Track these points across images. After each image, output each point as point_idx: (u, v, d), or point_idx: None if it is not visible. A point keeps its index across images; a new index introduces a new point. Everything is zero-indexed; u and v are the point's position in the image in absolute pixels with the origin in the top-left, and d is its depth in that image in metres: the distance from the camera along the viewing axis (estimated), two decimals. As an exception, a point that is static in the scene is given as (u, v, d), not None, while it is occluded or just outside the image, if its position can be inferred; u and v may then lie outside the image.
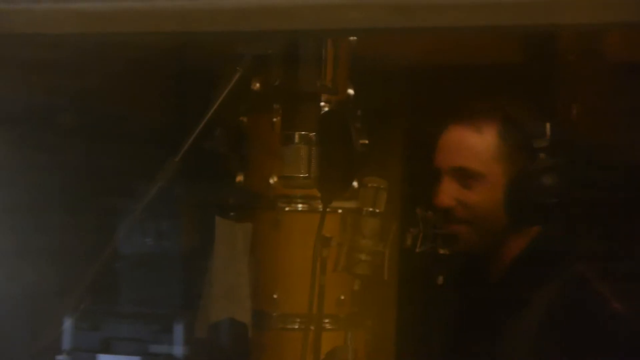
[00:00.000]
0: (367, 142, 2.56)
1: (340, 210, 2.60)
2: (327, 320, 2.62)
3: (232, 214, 2.80)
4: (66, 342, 2.32)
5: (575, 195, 2.13)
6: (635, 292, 2.12)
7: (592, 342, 1.99)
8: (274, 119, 2.61)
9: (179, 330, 2.83)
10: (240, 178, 2.77)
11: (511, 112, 2.11)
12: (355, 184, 2.38)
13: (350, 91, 2.70)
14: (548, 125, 2.10)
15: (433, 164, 2.16)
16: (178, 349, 2.84)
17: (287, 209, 2.74)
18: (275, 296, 2.73)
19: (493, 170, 2.09)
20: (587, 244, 2.23)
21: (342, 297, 2.69)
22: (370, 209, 2.35)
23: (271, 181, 2.67)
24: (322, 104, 2.58)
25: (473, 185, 2.10)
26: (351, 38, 2.59)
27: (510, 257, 2.13)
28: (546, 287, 2.06)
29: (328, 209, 2.35)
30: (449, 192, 2.12)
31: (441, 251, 2.16)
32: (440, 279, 2.17)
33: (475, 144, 2.10)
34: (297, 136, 2.41)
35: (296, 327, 2.69)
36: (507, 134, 2.09)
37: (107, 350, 2.76)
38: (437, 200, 2.13)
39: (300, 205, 2.74)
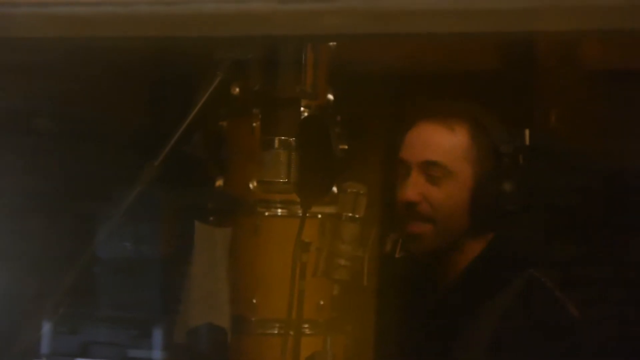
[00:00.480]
0: (346, 147, 2.57)
1: (319, 215, 2.60)
2: (306, 325, 2.62)
3: (211, 218, 2.80)
4: (45, 346, 2.32)
5: (538, 201, 2.14)
6: (591, 297, 2.14)
7: (549, 346, 1.99)
8: (254, 124, 2.61)
9: (157, 335, 2.83)
10: (219, 183, 2.77)
11: (481, 116, 2.12)
12: (334, 189, 2.38)
13: (330, 96, 2.71)
14: (517, 132, 2.12)
15: (401, 158, 2.13)
16: (157, 354, 2.84)
17: (266, 213, 2.74)
18: (254, 301, 2.72)
19: (462, 170, 2.09)
20: (543, 250, 2.24)
21: (322, 302, 2.69)
22: (350, 214, 2.36)
23: (251, 186, 2.67)
24: (302, 109, 2.58)
25: (441, 183, 2.08)
26: (331, 43, 2.60)
27: (465, 261, 2.11)
28: (502, 292, 2.06)
29: (307, 214, 2.34)
30: (416, 187, 2.09)
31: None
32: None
33: (448, 140, 2.10)
34: (276, 141, 2.42)
35: (275, 332, 2.69)
36: (477, 136, 2.10)
37: (85, 354, 2.75)
38: (403, 194, 2.10)
39: (279, 210, 2.74)
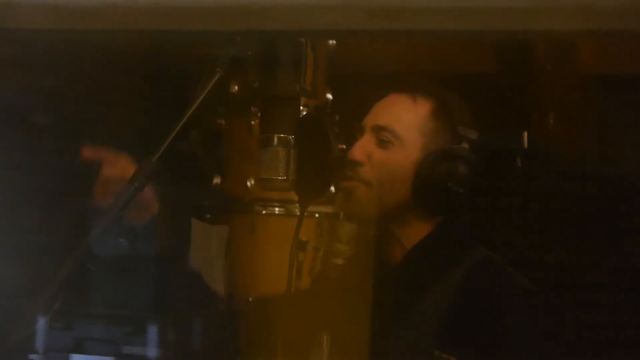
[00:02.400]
0: (345, 147, 2.56)
1: (317, 215, 2.60)
2: (302, 324, 2.61)
3: (208, 216, 2.80)
4: (39, 341, 2.32)
5: (484, 188, 2.16)
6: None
7: (506, 318, 2.00)
8: (252, 122, 2.61)
9: (152, 332, 2.82)
10: (217, 180, 2.77)
11: (448, 97, 2.16)
12: (332, 188, 2.38)
13: (329, 96, 2.71)
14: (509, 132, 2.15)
15: (360, 124, 2.21)
16: (151, 351, 2.83)
17: (263, 212, 2.74)
18: (250, 299, 2.72)
19: (412, 140, 2.13)
20: (491, 235, 2.26)
21: (318, 302, 2.69)
22: (347, 214, 2.36)
23: (248, 184, 2.67)
24: (301, 108, 2.58)
25: (388, 147, 2.14)
26: (330, 42, 2.60)
27: (414, 242, 2.14)
28: (452, 270, 2.07)
29: (305, 213, 2.34)
30: (363, 147, 2.16)
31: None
32: None
33: (406, 108, 2.16)
34: (275, 139, 2.41)
35: (271, 330, 2.69)
36: (438, 112, 2.14)
37: (80, 350, 2.74)
38: (350, 153, 2.18)
39: (277, 209, 2.74)
